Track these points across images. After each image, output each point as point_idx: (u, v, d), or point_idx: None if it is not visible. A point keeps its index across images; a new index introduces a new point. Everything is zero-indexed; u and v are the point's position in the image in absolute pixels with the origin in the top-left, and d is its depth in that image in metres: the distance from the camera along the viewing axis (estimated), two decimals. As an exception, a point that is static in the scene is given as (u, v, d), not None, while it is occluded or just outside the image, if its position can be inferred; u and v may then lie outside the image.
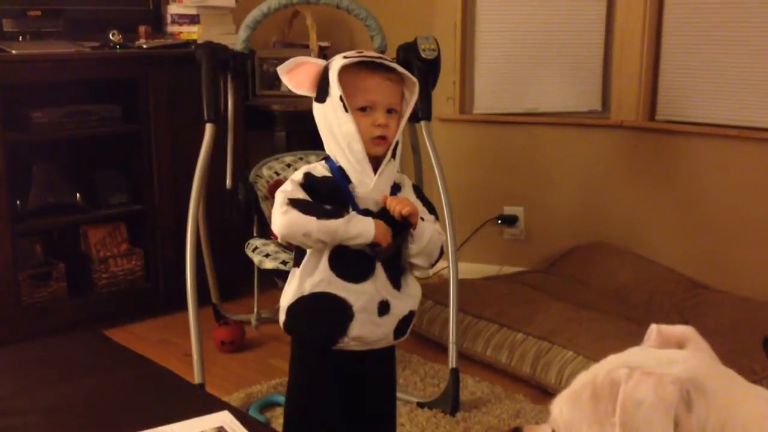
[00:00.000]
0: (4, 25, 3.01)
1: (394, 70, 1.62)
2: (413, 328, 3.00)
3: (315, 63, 1.64)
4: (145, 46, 3.20)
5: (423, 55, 2.66)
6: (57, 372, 1.61)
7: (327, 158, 1.64)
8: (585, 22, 3.43)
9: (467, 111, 3.64)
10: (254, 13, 2.70)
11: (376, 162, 1.62)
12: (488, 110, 3.60)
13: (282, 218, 1.57)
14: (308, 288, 1.62)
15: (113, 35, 3.13)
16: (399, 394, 2.54)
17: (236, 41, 2.73)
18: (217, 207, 2.90)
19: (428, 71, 2.69)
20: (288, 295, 1.67)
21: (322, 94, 1.60)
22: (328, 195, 1.60)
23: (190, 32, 3.34)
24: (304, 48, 3.57)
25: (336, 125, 1.59)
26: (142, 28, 3.28)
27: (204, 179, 2.55)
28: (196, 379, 2.37)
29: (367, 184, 1.60)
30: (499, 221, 3.62)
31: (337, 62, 1.59)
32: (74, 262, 3.15)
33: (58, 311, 3.05)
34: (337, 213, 1.57)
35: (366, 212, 1.61)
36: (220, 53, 2.62)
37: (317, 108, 1.62)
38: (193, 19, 3.35)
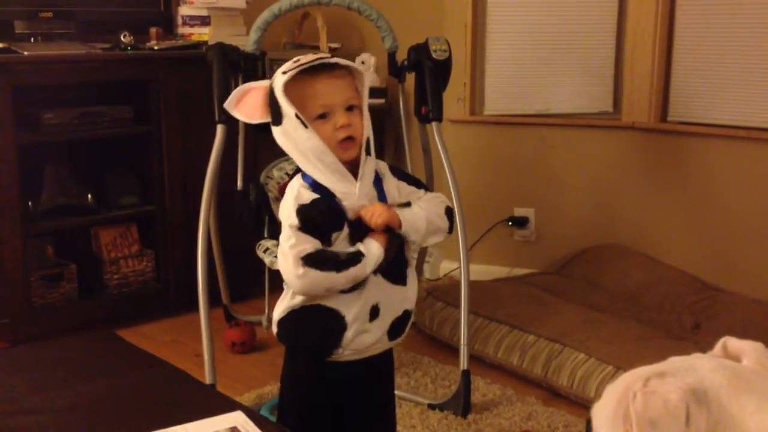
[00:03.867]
0: (15, 26, 3.03)
1: (337, 66, 1.53)
2: (424, 329, 3.03)
3: (260, 87, 1.57)
4: (156, 48, 3.21)
5: (434, 56, 2.66)
6: (71, 372, 1.61)
7: (302, 174, 1.57)
8: (596, 23, 3.42)
9: (478, 112, 3.63)
10: (265, 15, 2.70)
11: (353, 166, 1.55)
12: (499, 111, 3.59)
13: (301, 282, 1.50)
14: (298, 301, 1.58)
15: (124, 37, 3.14)
16: (410, 396, 2.55)
17: (247, 42, 2.73)
18: (228, 208, 2.90)
19: (439, 72, 2.68)
20: (279, 309, 1.63)
21: (276, 116, 1.54)
22: (325, 218, 1.53)
23: (201, 34, 3.35)
24: (314, 49, 3.57)
25: (300, 143, 1.52)
26: (153, 30, 3.29)
27: (215, 180, 2.55)
28: (208, 379, 2.37)
29: (352, 194, 1.54)
30: (510, 223, 3.61)
31: (279, 79, 1.53)
32: (85, 263, 3.16)
33: (69, 312, 3.06)
34: (355, 258, 1.52)
35: (355, 223, 1.55)
36: (231, 54, 2.62)
37: (276, 131, 1.55)
38: (204, 21, 3.36)
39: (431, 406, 2.50)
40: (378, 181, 1.60)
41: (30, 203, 2.99)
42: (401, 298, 1.63)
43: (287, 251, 1.52)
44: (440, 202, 1.64)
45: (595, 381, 2.50)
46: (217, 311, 2.91)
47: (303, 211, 1.53)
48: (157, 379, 1.60)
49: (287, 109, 1.51)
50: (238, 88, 1.60)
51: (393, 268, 1.60)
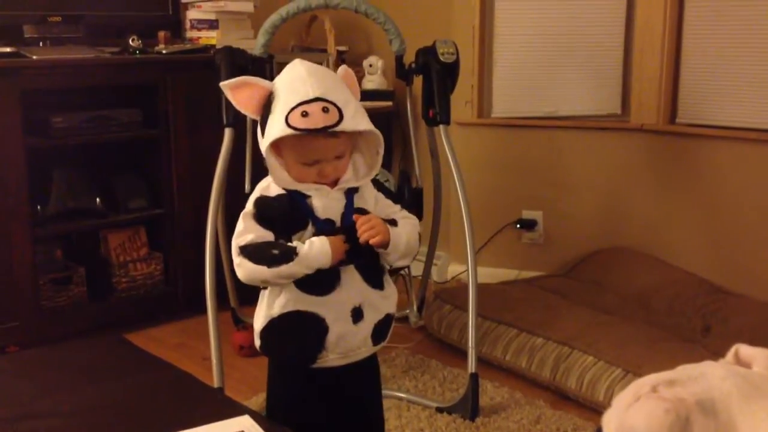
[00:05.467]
0: (24, 30, 3.04)
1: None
2: (432, 332, 3.02)
3: (262, 87, 1.54)
4: (164, 52, 3.21)
5: (442, 59, 2.66)
6: (79, 376, 1.61)
7: None
8: (604, 25, 3.41)
9: (485, 115, 3.63)
10: (273, 18, 2.70)
11: None
12: (507, 114, 3.59)
13: (238, 270, 1.53)
14: (277, 310, 1.57)
15: (133, 41, 3.15)
16: (418, 399, 2.55)
17: (255, 46, 2.74)
18: (236, 211, 2.90)
19: (447, 75, 2.68)
20: (259, 319, 1.62)
21: (262, 128, 1.54)
22: (285, 214, 1.53)
23: (209, 37, 3.36)
24: (322, 52, 3.57)
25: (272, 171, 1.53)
26: (161, 34, 3.30)
27: (223, 183, 2.56)
28: (215, 383, 2.37)
29: (324, 195, 1.54)
30: (518, 225, 3.60)
31: (277, 127, 1.47)
32: (94, 266, 3.17)
33: (78, 315, 3.07)
34: (287, 256, 1.49)
35: (327, 222, 1.54)
36: (239, 58, 2.63)
37: (260, 138, 1.55)
38: (212, 25, 3.36)
39: (439, 410, 2.49)
40: (352, 191, 1.58)
41: (39, 207, 3.00)
42: (382, 301, 1.63)
43: (233, 239, 1.54)
44: (414, 226, 1.64)
45: (603, 384, 2.49)
46: (224, 314, 2.91)
47: (261, 201, 1.55)
48: (165, 383, 1.60)
49: (267, 151, 1.50)
50: (240, 77, 1.57)
51: (372, 273, 1.60)
